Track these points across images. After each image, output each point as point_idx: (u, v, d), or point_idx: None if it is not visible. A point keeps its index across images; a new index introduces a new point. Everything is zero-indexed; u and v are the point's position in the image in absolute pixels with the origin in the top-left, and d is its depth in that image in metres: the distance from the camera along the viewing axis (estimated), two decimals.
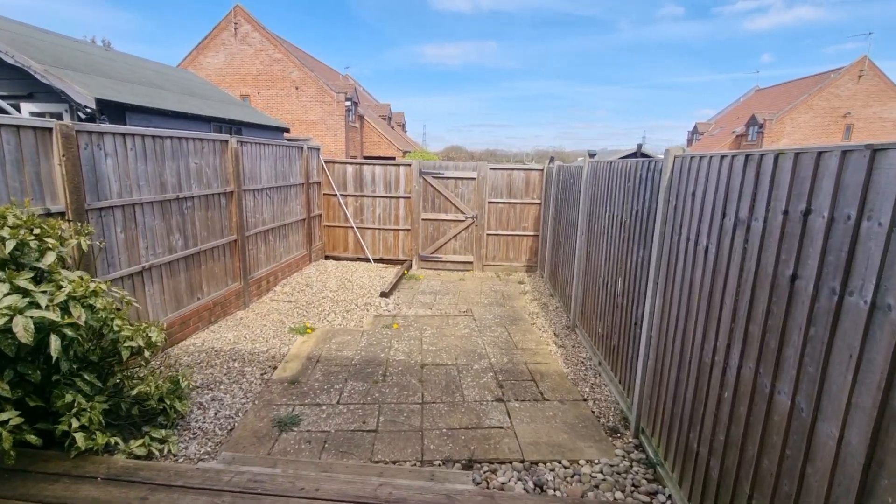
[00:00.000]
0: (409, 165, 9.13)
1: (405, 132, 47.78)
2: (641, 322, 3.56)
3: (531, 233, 9.19)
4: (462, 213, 9.15)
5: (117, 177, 4.21)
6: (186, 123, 9.94)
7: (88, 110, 7.05)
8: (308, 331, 5.59)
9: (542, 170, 8.93)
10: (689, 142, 43.25)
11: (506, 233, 9.22)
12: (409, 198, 9.24)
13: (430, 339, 5.48)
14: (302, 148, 8.34)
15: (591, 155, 5.77)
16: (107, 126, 4.09)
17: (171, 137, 4.88)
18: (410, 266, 9.35)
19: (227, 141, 5.88)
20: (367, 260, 9.54)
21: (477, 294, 7.66)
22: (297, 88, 25.93)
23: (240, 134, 11.92)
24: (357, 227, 9.47)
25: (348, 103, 26.46)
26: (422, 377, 4.50)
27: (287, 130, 15.22)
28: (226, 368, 4.50)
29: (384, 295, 7.13)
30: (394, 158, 29.02)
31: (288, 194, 7.86)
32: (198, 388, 4.09)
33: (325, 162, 9.26)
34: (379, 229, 9.46)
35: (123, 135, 4.26)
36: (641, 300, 3.59)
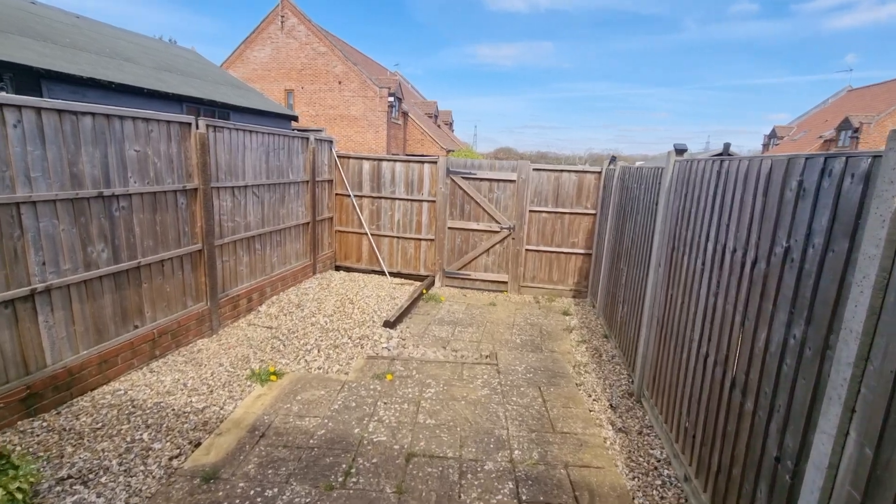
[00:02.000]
0: (435, 163, 7.60)
1: (452, 131, 46.46)
2: (800, 469, 1.81)
3: (582, 250, 7.39)
4: (496, 222, 7.51)
5: None
6: (148, 103, 8.56)
7: None
8: (272, 378, 4.18)
9: (600, 172, 7.11)
10: (766, 146, 38.90)
11: (550, 249, 7.47)
12: (433, 202, 7.72)
13: (431, 405, 3.91)
14: (307, 139, 7.03)
15: (680, 151, 4.07)
16: None
17: (91, 114, 3.62)
18: (432, 283, 7.82)
19: (188, 124, 4.61)
20: (382, 273, 8.12)
21: (508, 328, 6.00)
22: (339, 83, 25.19)
23: (227, 119, 10.74)
24: (372, 235, 8.07)
25: (391, 99, 25.40)
26: (402, 482, 2.94)
27: (294, 119, 13.97)
28: (128, 441, 3.15)
29: (388, 325, 5.64)
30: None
31: (286, 193, 6.56)
32: (66, 479, 2.76)
33: (339, 157, 7.92)
34: (398, 238, 8.00)
35: None
36: (806, 430, 1.84)
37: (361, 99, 25.29)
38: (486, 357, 5.02)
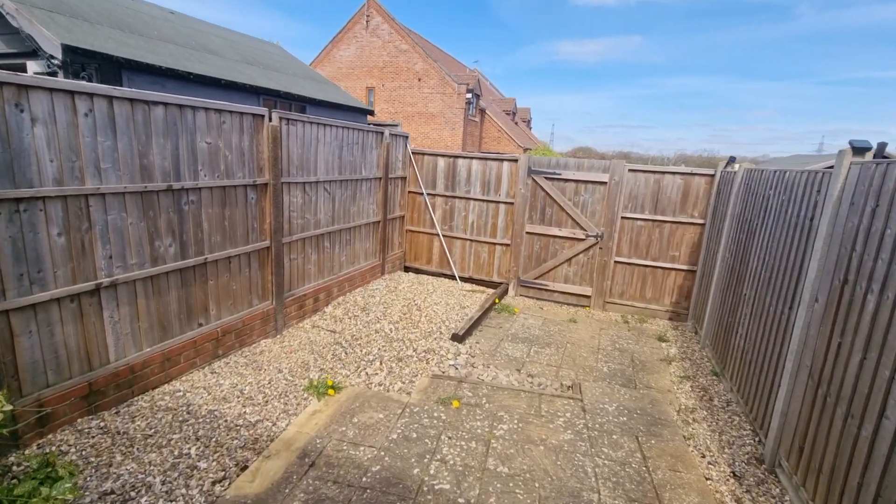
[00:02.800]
0: (516, 161, 6.95)
1: (530, 129, 45.13)
2: None
3: (684, 266, 6.34)
4: (582, 228, 6.69)
5: (54, 154, 2.87)
6: (225, 95, 8.51)
7: (55, 60, 5.83)
8: (330, 392, 3.84)
9: (714, 175, 6.02)
10: None
11: (644, 262, 6.51)
12: (511, 203, 7.07)
13: (504, 446, 3.31)
14: (382, 133, 6.72)
15: (861, 150, 3.07)
16: (32, 78, 2.75)
17: (163, 104, 3.47)
18: (505, 292, 7.20)
19: (261, 116, 4.41)
20: (452, 277, 7.64)
21: (592, 352, 5.22)
22: (419, 80, 25.23)
23: (303, 112, 10.62)
24: (444, 236, 7.61)
25: (469, 95, 24.97)
26: None
27: (371, 113, 13.72)
28: (175, 455, 2.93)
29: (457, 339, 5.12)
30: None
31: (358, 190, 6.29)
32: (109, 495, 2.55)
33: (413, 153, 7.55)
34: (471, 241, 7.47)
35: (69, 92, 2.90)
36: None
37: (440, 96, 25.13)
38: (569, 388, 4.31)
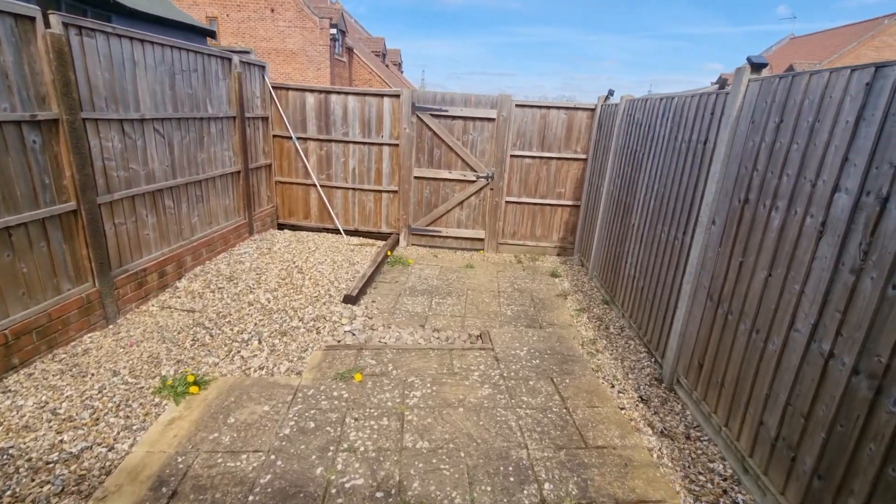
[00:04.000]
0: (398, 97, 6.21)
1: (402, 73, 43.31)
2: None
3: (569, 202, 6.46)
4: (472, 170, 6.36)
5: None
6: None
7: None
8: (192, 389, 2.99)
9: (594, 109, 6.06)
10: None
11: (533, 200, 6.48)
12: (396, 145, 6.40)
13: (420, 417, 2.91)
14: (230, 60, 5.38)
15: (759, 66, 3.10)
16: None
17: None
18: (397, 243, 6.67)
19: (31, 18, 2.98)
20: (336, 231, 6.83)
21: (493, 296, 5.05)
22: (271, 10, 21.92)
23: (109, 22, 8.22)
24: (322, 186, 6.68)
25: (334, 31, 22.59)
26: None
27: (211, 35, 11.26)
28: None
29: (350, 300, 4.50)
30: None
31: (205, 133, 5.01)
32: None
33: (275, 88, 6.30)
34: (354, 189, 6.68)
35: None
36: None
37: (299, 31, 22.25)
38: (478, 338, 4.06)
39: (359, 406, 2.97)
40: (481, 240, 6.68)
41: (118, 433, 2.59)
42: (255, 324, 3.95)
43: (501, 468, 2.51)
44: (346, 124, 6.38)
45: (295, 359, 3.50)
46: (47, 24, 3.11)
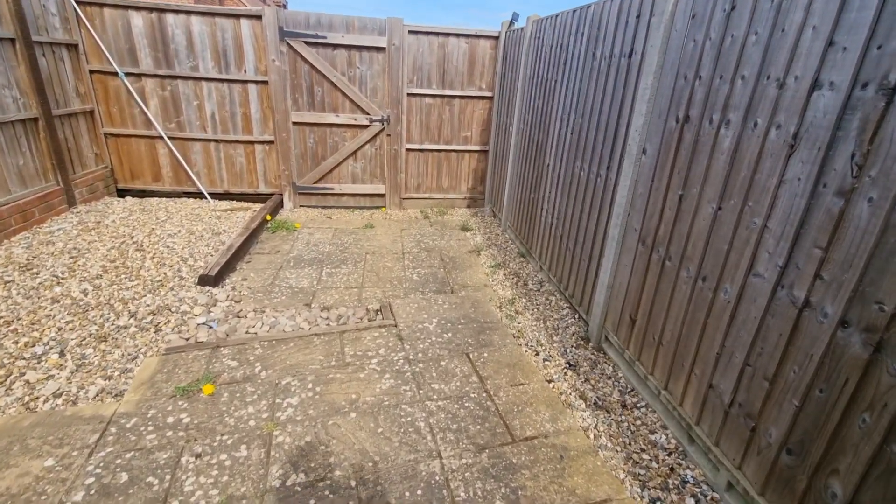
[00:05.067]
0: (259, 18, 4.91)
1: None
2: None
3: (476, 147, 5.80)
4: (364, 112, 5.38)
5: None
6: None
7: None
8: None
9: (497, 37, 5.32)
10: None
11: (437, 147, 5.71)
12: (265, 83, 5.15)
13: (295, 439, 2.14)
14: None
15: None
16: None
17: None
18: (280, 205, 5.56)
19: None
20: (200, 196, 5.51)
21: (397, 258, 4.31)
22: None
23: None
24: (172, 138, 5.25)
25: None
26: None
27: None
28: None
29: (207, 282, 3.46)
30: None
31: None
32: None
33: (80, 3, 4.63)
34: (216, 141, 5.35)
35: None
36: None
37: None
38: (378, 313, 3.31)
39: (205, 433, 2.10)
40: (382, 195, 5.82)
41: None
42: (59, 329, 2.80)
43: (407, 494, 1.85)
44: (193, 55, 4.96)
45: (115, 374, 2.48)
46: None
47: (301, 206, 5.71)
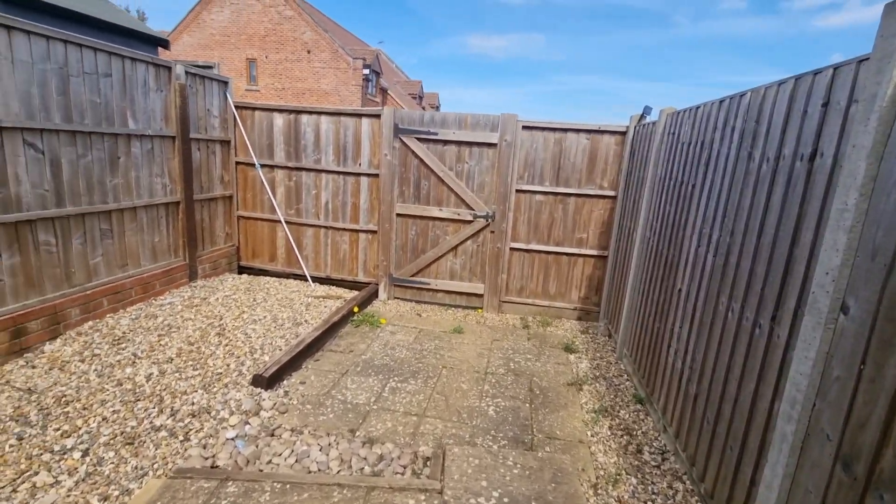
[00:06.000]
0: (378, 117, 5.11)
1: None
2: None
3: (593, 251, 4.99)
4: (468, 207, 5.07)
5: None
6: None
7: None
8: None
9: (625, 132, 4.68)
10: None
11: (546, 248, 5.06)
12: (376, 175, 5.23)
13: None
14: (169, 68, 4.47)
15: None
16: None
17: None
18: (375, 295, 5.37)
19: None
20: (304, 278, 5.63)
21: (476, 380, 3.58)
22: (308, 52, 22.38)
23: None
24: (289, 223, 5.57)
25: (367, 72, 22.70)
26: None
27: (163, 44, 9.60)
28: None
29: (261, 382, 3.18)
30: None
31: (121, 152, 4.02)
32: None
33: (239, 107, 5.38)
34: (326, 228, 5.52)
35: None
36: None
37: (333, 71, 22.51)
38: (426, 464, 2.59)
39: None
40: (479, 296, 5.27)
41: None
42: (103, 419, 2.68)
43: None
44: (318, 150, 5.31)
45: (115, 494, 2.17)
46: None
47: (395, 297, 5.45)
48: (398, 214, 5.23)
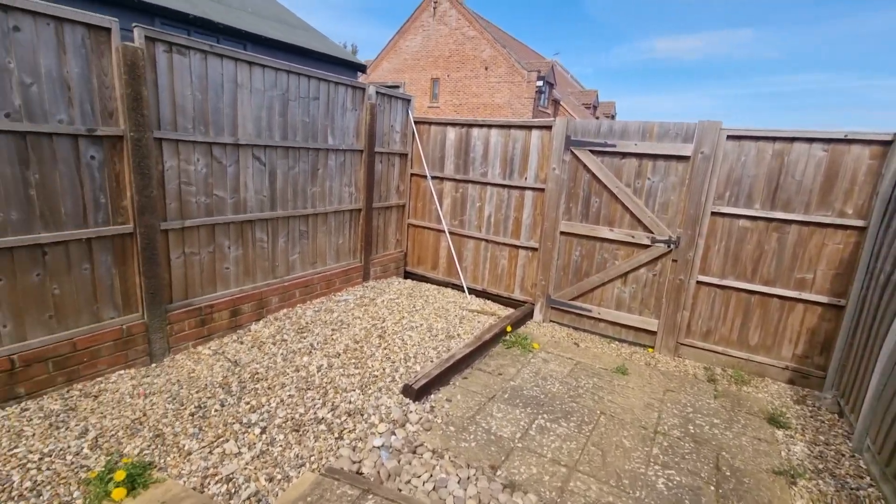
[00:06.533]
0: (549, 128, 4.83)
1: None
2: None
3: (820, 297, 3.80)
4: (646, 229, 4.40)
5: None
6: (118, 14, 7.06)
7: None
8: (114, 495, 2.14)
9: (889, 142, 3.44)
10: None
11: (749, 286, 4.06)
12: (541, 190, 4.96)
13: None
14: (363, 90, 4.97)
15: None
16: None
17: None
18: (529, 315, 5.09)
19: (105, 29, 2.84)
20: (460, 289, 5.69)
21: (642, 438, 3.01)
22: (486, 69, 23.34)
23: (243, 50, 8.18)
24: (452, 233, 5.69)
25: (540, 83, 22.57)
26: None
27: (362, 70, 11.01)
28: None
29: (409, 393, 3.20)
30: None
31: (321, 164, 4.61)
32: None
33: (417, 122, 5.72)
34: (486, 241, 5.47)
35: None
36: None
37: (507, 85, 23.01)
38: None
39: None
40: (651, 332, 4.53)
41: None
42: (280, 401, 3.03)
43: None
44: (485, 163, 5.30)
45: (277, 478, 2.38)
46: (125, 37, 2.96)
47: (551, 321, 5.07)
48: (562, 233, 4.85)
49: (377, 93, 5.08)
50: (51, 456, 2.36)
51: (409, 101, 5.68)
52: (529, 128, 4.95)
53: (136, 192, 3.11)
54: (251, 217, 4.00)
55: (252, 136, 3.87)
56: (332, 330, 4.13)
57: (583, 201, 4.70)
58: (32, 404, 2.76)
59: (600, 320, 4.79)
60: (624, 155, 4.40)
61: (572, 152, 4.65)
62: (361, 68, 10.78)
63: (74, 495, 2.14)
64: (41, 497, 2.11)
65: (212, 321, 3.80)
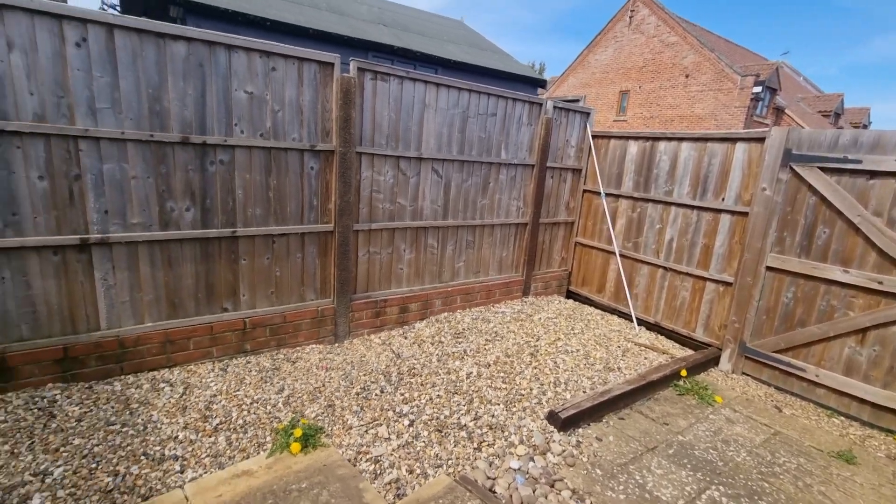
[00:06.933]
0: (760, 141, 4.01)
1: None
2: None
3: None
4: None
5: (35, 86, 2.57)
6: (316, 47, 7.77)
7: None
8: (293, 448, 2.55)
9: None
10: None
11: None
12: (743, 214, 4.15)
13: None
14: (540, 105, 4.94)
15: None
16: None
17: (184, 39, 2.91)
18: (715, 363, 4.30)
19: (329, 64, 3.47)
20: (627, 318, 5.14)
21: None
22: (686, 76, 20.93)
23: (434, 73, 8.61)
24: (623, 256, 5.20)
25: (758, 89, 19.14)
26: None
27: (542, 85, 10.70)
28: (111, 471, 2.22)
29: (555, 421, 3.01)
30: None
31: (492, 178, 4.76)
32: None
33: (594, 137, 5.42)
34: (665, 269, 4.83)
35: (56, 16, 2.56)
36: None
37: (712, 93, 20.14)
38: None
39: None
40: None
41: (202, 459, 2.44)
42: (429, 399, 3.20)
43: None
44: (671, 180, 4.70)
45: (416, 472, 2.50)
46: (344, 70, 3.55)
47: (744, 373, 4.18)
48: (769, 268, 3.95)
49: (554, 107, 5.00)
50: (257, 403, 2.96)
51: (587, 114, 5.43)
52: (733, 140, 4.20)
53: (339, 196, 3.70)
54: (425, 224, 4.36)
55: (433, 151, 4.23)
56: (486, 340, 4.19)
57: (803, 231, 3.75)
58: (253, 359, 3.52)
59: (818, 385, 3.73)
60: (873, 174, 3.36)
61: (792, 169, 3.76)
62: (542, 84, 10.90)
63: (266, 440, 2.63)
64: (246, 434, 2.66)
65: (384, 314, 4.26)
